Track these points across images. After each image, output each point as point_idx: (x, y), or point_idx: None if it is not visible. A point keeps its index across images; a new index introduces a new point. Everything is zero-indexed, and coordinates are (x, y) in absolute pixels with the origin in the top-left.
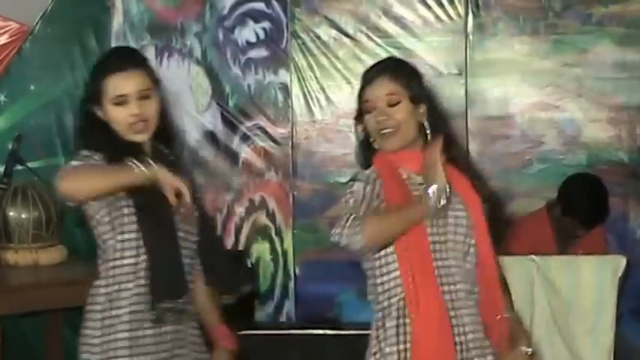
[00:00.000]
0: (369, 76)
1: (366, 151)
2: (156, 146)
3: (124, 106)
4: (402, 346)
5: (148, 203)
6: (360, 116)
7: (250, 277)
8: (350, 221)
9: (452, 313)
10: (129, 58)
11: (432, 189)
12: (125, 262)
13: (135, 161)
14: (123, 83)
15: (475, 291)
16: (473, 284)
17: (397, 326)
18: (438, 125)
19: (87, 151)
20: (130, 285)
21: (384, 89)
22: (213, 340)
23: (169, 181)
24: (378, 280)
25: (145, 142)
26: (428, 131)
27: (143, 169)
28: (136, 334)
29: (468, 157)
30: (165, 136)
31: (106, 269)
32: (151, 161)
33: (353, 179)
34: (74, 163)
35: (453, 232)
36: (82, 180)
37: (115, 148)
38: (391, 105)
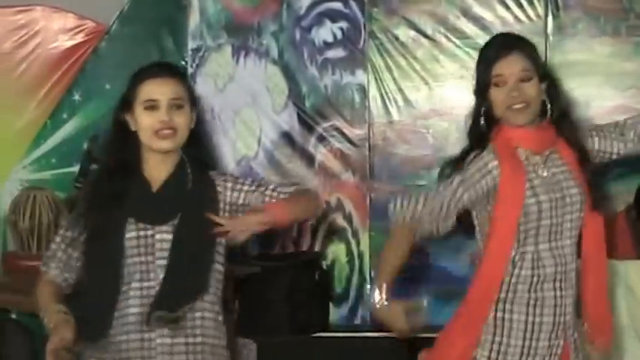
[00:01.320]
0: (500, 50)
1: (481, 127)
2: (182, 164)
3: (154, 111)
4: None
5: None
6: (482, 90)
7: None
8: (409, 205)
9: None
10: (166, 68)
11: None
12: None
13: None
14: (156, 89)
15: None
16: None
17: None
18: (559, 102)
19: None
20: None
21: (518, 65)
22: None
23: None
24: None
25: (167, 157)
26: (549, 108)
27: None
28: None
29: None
30: (198, 159)
31: None
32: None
33: (467, 161)
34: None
35: (570, 212)
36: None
37: (129, 158)
38: (524, 81)
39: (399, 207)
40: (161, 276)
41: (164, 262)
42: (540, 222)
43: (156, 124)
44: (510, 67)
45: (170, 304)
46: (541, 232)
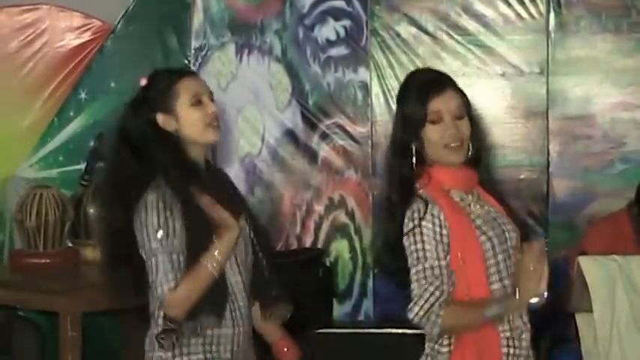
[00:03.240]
0: (435, 86)
1: (408, 165)
2: (209, 164)
3: (200, 106)
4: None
5: None
6: (414, 127)
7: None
8: (430, 307)
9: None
10: (186, 69)
11: (536, 299)
12: None
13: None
14: (196, 84)
15: None
16: None
17: None
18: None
19: (152, 194)
20: None
21: (454, 101)
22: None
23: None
24: None
25: (202, 159)
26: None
27: (215, 264)
28: None
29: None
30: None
31: None
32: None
33: (413, 219)
34: (170, 287)
35: (509, 249)
36: (187, 303)
37: (180, 166)
38: (459, 118)
39: (425, 309)
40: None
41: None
42: (490, 261)
43: (205, 116)
44: (447, 103)
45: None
46: (492, 271)
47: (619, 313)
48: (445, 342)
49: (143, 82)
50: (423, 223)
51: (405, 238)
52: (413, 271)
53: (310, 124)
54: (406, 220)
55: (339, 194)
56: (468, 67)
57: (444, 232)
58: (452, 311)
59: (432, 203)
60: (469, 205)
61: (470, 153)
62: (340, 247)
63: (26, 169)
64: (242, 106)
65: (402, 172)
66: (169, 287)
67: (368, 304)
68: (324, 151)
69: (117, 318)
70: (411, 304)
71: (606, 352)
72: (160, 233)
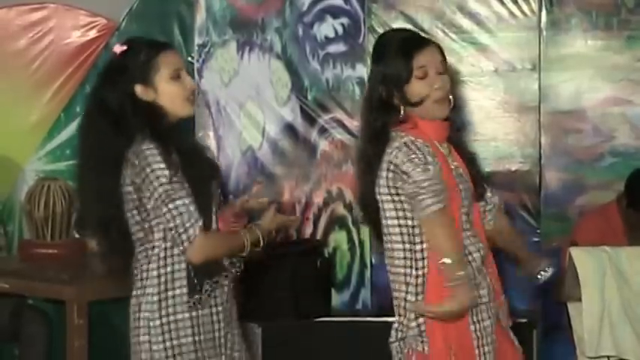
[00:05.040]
0: (419, 42)
1: (389, 120)
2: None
3: (179, 80)
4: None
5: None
6: (400, 81)
7: None
8: (438, 198)
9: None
10: (165, 42)
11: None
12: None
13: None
14: (175, 58)
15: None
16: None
17: None
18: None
19: (144, 145)
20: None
21: (437, 56)
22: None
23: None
24: None
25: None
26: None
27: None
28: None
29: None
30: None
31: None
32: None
33: (416, 162)
34: (200, 227)
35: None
36: (211, 254)
37: (163, 129)
38: (442, 73)
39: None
40: None
41: None
42: (463, 209)
43: (184, 91)
44: (431, 58)
45: None
46: (463, 219)
47: (609, 302)
48: (412, 316)
49: (118, 49)
50: (418, 153)
51: (402, 165)
52: (420, 178)
53: (309, 118)
54: (396, 152)
55: (338, 187)
56: (463, 64)
57: (437, 166)
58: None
59: (426, 146)
60: (446, 156)
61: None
62: (339, 239)
63: (35, 162)
64: (244, 101)
65: (379, 125)
66: (199, 226)
67: (366, 294)
68: (323, 145)
69: (123, 306)
70: (422, 197)
71: (597, 339)
72: (172, 176)
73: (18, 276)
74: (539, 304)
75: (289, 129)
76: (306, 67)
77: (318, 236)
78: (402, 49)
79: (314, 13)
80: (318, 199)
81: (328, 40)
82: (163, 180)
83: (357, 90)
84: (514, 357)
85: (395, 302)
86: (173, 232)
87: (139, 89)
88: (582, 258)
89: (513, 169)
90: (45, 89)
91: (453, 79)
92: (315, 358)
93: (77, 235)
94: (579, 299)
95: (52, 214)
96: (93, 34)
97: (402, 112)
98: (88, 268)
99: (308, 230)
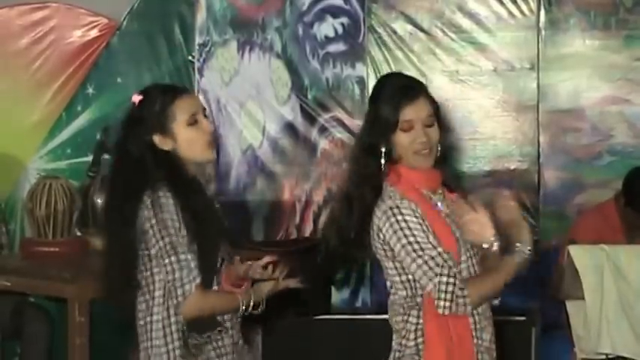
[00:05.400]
0: (407, 94)
1: (376, 165)
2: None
3: (197, 125)
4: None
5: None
6: (386, 131)
7: None
8: (453, 296)
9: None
10: (180, 87)
11: (523, 246)
12: None
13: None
14: (191, 103)
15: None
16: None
17: None
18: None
19: (161, 192)
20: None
21: (425, 110)
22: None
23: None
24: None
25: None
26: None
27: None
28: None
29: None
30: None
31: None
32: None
33: (394, 214)
34: (197, 284)
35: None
36: (207, 311)
37: (182, 181)
38: (429, 126)
39: (451, 296)
40: None
41: None
42: (462, 257)
43: (204, 136)
44: (418, 112)
45: None
46: (463, 267)
47: (607, 299)
48: (411, 336)
49: (136, 98)
50: (407, 217)
51: (386, 234)
52: (413, 266)
53: (309, 117)
54: (381, 217)
55: (338, 185)
56: (462, 63)
57: (427, 223)
58: (473, 286)
59: (406, 199)
60: (437, 204)
61: (437, 155)
62: None
63: (36, 161)
64: (244, 100)
65: (369, 170)
66: (196, 284)
67: (365, 292)
68: (323, 143)
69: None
70: (436, 301)
71: (596, 336)
72: (181, 229)
73: (20, 274)
74: (538, 302)
75: (289, 128)
76: (306, 67)
77: (318, 234)
78: (393, 98)
79: (314, 13)
80: (318, 197)
81: (328, 40)
82: (172, 231)
83: (357, 89)
84: None
85: (396, 326)
86: (170, 284)
87: (157, 139)
88: (581, 256)
89: (512, 167)
90: (46, 88)
91: (444, 127)
92: (315, 355)
93: (78, 233)
94: (578, 297)
95: (53, 213)
96: (94, 33)
97: (382, 167)
98: (89, 266)
99: (308, 228)
